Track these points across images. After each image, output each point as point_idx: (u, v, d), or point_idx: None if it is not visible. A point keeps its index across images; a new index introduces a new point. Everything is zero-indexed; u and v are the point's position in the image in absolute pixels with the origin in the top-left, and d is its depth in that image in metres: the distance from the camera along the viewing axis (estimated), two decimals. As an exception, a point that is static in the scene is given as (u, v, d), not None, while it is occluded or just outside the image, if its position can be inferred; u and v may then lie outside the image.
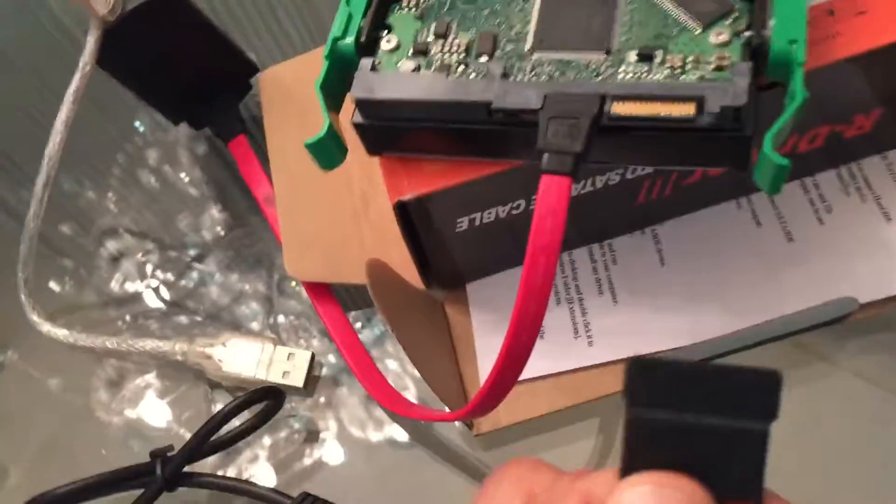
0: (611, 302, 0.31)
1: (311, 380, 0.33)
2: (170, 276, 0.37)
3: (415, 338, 0.30)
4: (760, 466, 0.15)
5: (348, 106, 0.27)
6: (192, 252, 0.37)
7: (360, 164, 0.35)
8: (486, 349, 0.31)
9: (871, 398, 0.29)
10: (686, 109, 0.23)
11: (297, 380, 0.33)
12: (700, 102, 0.23)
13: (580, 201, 0.29)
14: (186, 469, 0.31)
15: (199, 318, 0.36)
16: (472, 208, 0.29)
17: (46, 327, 0.35)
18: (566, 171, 0.23)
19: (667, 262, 0.31)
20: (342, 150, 0.27)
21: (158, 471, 0.31)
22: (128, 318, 0.37)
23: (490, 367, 0.23)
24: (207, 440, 0.31)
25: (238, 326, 0.36)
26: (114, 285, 0.37)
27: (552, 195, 0.22)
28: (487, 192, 0.28)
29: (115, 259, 0.38)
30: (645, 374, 0.15)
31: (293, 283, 0.36)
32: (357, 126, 0.27)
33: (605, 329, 0.30)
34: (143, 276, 0.37)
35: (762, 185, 0.23)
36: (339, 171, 0.35)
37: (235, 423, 0.31)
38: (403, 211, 0.28)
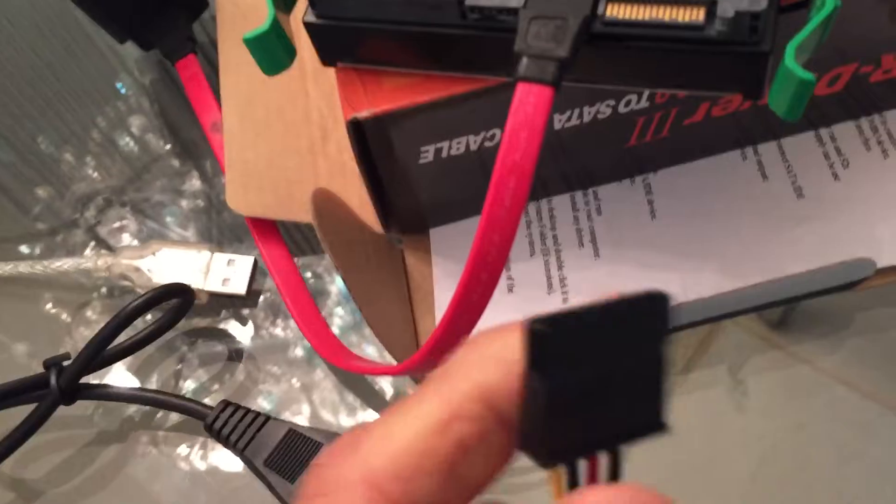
0: (591, 255, 0.27)
1: (254, 289, 0.31)
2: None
3: (364, 281, 0.26)
4: (660, 388, 0.13)
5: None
6: (170, 220, 0.35)
7: (321, 92, 0.31)
8: (445, 300, 0.27)
9: (853, 404, 0.26)
10: (694, 14, 0.20)
11: (239, 286, 0.30)
12: (711, 6, 0.19)
13: (564, 136, 0.26)
14: (94, 381, 0.28)
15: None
16: (440, 135, 0.25)
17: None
18: (547, 79, 0.19)
19: (658, 215, 0.27)
20: (289, 52, 0.23)
21: (53, 381, 0.28)
22: (104, 290, 0.33)
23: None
24: (106, 345, 0.28)
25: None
26: (88, 252, 0.34)
27: (529, 105, 0.19)
28: (458, 116, 0.25)
29: (91, 226, 0.35)
30: (553, 330, 0.13)
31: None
32: (309, 25, 0.23)
33: (584, 284, 0.27)
34: (118, 244, 0.34)
35: (778, 108, 0.20)
36: (297, 100, 0.32)
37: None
38: (359, 131, 0.24)
